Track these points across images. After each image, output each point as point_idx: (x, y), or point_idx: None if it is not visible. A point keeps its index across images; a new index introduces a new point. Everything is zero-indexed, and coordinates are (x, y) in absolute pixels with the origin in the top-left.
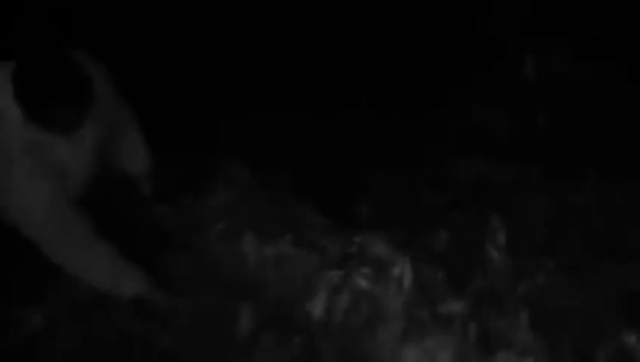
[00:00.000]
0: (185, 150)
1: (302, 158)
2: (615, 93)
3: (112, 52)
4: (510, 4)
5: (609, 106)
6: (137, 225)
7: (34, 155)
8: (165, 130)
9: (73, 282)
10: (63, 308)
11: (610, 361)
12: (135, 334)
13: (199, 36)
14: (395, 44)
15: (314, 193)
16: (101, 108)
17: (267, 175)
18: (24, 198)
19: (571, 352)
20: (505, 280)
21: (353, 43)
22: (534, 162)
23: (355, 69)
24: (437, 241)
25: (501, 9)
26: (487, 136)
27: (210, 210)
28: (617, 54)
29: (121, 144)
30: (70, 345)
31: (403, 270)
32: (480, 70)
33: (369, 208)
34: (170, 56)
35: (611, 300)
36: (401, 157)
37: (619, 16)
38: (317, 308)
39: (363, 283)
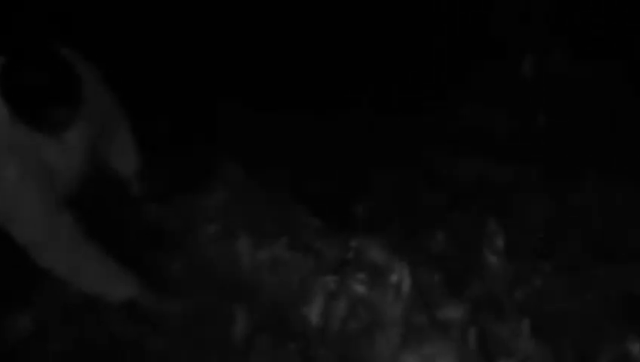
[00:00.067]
0: (178, 149)
1: (299, 158)
2: (615, 93)
3: (102, 50)
4: (510, 4)
5: (609, 106)
6: (129, 226)
7: (22, 156)
8: (157, 129)
9: (63, 285)
10: (53, 311)
11: None
12: (127, 337)
13: (192, 33)
14: (395, 44)
15: (310, 194)
16: (91, 107)
17: (262, 175)
18: (12, 200)
19: (574, 359)
20: (503, 284)
21: (353, 43)
22: (534, 162)
23: (355, 69)
24: (435, 243)
25: (501, 9)
26: (487, 136)
27: (203, 211)
28: (617, 54)
29: (112, 144)
30: (61, 349)
31: (401, 275)
32: (480, 70)
33: (366, 209)
34: (162, 54)
35: (611, 302)
36: (399, 157)
37: (619, 16)
38: (313, 313)
39: (360, 288)
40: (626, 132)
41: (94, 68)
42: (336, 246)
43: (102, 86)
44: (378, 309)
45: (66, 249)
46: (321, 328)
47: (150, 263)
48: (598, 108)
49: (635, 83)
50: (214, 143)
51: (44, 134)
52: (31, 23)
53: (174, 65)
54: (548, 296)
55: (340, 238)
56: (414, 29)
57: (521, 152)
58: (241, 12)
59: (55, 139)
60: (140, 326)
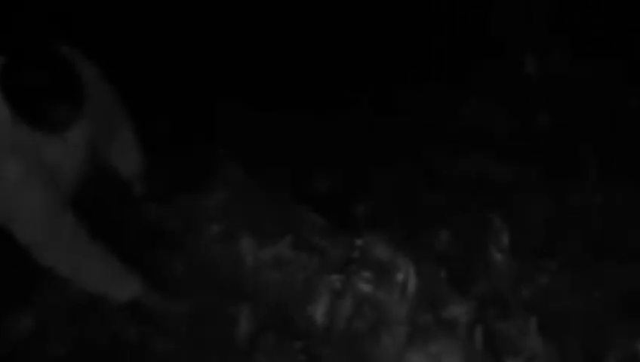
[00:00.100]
0: (180, 149)
1: (299, 158)
2: (615, 93)
3: (103, 49)
4: (510, 4)
5: (609, 106)
6: (131, 226)
7: (24, 156)
8: (160, 128)
9: (64, 284)
10: (55, 311)
11: None
12: (129, 338)
13: (193, 33)
14: (394, 44)
15: (311, 193)
16: (93, 106)
17: (263, 174)
18: (14, 200)
19: (582, 357)
20: (508, 281)
21: (353, 42)
22: (534, 162)
23: (354, 69)
24: (438, 242)
25: (501, 9)
26: (487, 135)
27: (206, 211)
28: (617, 54)
29: (114, 143)
30: (62, 349)
31: (406, 273)
32: (480, 70)
33: (367, 208)
34: (164, 52)
35: (617, 301)
36: (400, 156)
37: (619, 16)
38: (318, 312)
39: (365, 287)
40: (626, 132)
41: (95, 66)
42: (341, 244)
43: (103, 84)
44: (384, 308)
45: (68, 248)
46: (327, 327)
47: (152, 263)
48: (598, 108)
49: (635, 83)
50: (214, 143)
51: (46, 134)
52: (31, 22)
53: (174, 65)
54: (553, 294)
55: (344, 237)
56: (414, 29)
57: (521, 152)
58: (241, 12)
59: (57, 139)
60: (143, 327)
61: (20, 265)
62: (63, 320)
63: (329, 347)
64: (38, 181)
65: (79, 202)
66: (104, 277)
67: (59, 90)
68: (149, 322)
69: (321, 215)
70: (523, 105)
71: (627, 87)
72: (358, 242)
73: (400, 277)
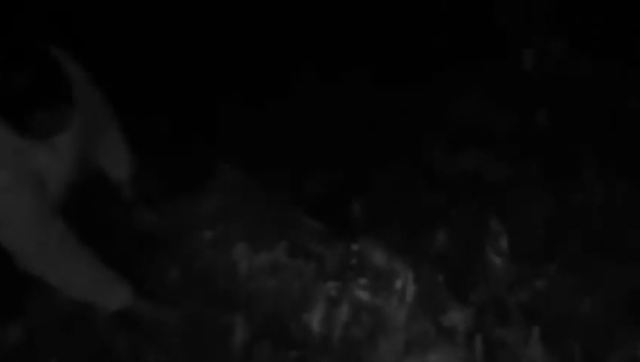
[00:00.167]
0: (171, 152)
1: (296, 160)
2: (615, 93)
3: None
4: (510, 3)
5: (609, 105)
6: (121, 231)
7: (12, 162)
8: (150, 130)
9: (54, 293)
10: (45, 321)
11: None
12: (119, 348)
13: (191, 33)
14: (394, 43)
15: (310, 194)
16: (82, 110)
17: (260, 176)
18: (2, 207)
19: None
20: (507, 286)
21: (352, 42)
22: (534, 161)
23: (354, 69)
24: (436, 244)
25: (501, 7)
26: (487, 134)
27: (199, 216)
28: (617, 53)
29: (103, 147)
30: (52, 359)
31: (404, 280)
32: (480, 69)
33: (366, 208)
34: (162, 53)
35: (616, 301)
36: (398, 155)
37: (619, 16)
38: (315, 320)
39: (362, 294)
40: (625, 131)
41: (82, 68)
42: (337, 250)
43: (91, 86)
44: (381, 315)
45: (57, 256)
46: (323, 336)
47: (143, 270)
48: (598, 107)
49: (635, 82)
50: (208, 146)
51: (34, 139)
52: (31, 22)
53: (174, 65)
54: (553, 298)
55: (340, 242)
56: (414, 29)
57: (521, 152)
58: (240, 12)
59: (45, 144)
60: (134, 336)
61: (8, 273)
62: (52, 329)
63: (326, 356)
64: (27, 187)
65: (67, 208)
66: (93, 285)
67: (47, 94)
68: (140, 331)
69: (317, 218)
70: (523, 104)
71: (627, 86)
72: (355, 247)
73: (398, 284)
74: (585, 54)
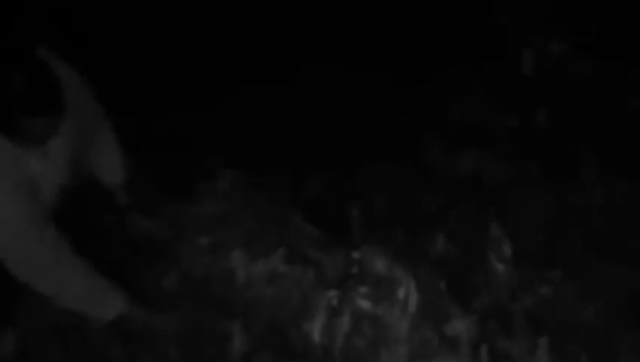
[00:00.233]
0: (167, 156)
1: (293, 164)
2: (615, 93)
3: (91, 51)
4: (510, 3)
5: (609, 105)
6: (116, 239)
7: (4, 168)
8: (144, 134)
9: (47, 302)
10: (37, 331)
11: None
12: (114, 357)
13: (191, 33)
14: (394, 43)
15: (309, 196)
16: (74, 114)
17: (257, 179)
18: None
19: None
20: (510, 292)
21: (352, 42)
22: (534, 162)
23: (354, 69)
24: (437, 247)
25: (500, 8)
26: (487, 134)
27: (195, 222)
28: (617, 53)
29: (96, 152)
30: None
31: (406, 289)
32: (479, 69)
33: (366, 209)
34: (162, 53)
35: (619, 302)
36: (398, 155)
37: (619, 16)
38: (315, 329)
39: (364, 303)
40: (625, 131)
41: (74, 71)
42: (337, 257)
43: (84, 89)
44: (383, 325)
45: (50, 265)
46: (324, 346)
47: (138, 277)
48: (598, 107)
49: (635, 82)
50: (204, 150)
51: (25, 145)
52: (31, 22)
53: (173, 65)
54: (556, 304)
55: (340, 248)
56: (414, 28)
57: (521, 151)
58: (240, 12)
59: (37, 150)
60: (129, 345)
61: (0, 282)
62: (45, 340)
63: None
64: (19, 194)
65: (62, 216)
66: (87, 294)
67: (39, 100)
68: (136, 340)
69: (316, 222)
70: (523, 104)
71: (627, 86)
72: (355, 255)
73: (400, 292)
74: (585, 54)
